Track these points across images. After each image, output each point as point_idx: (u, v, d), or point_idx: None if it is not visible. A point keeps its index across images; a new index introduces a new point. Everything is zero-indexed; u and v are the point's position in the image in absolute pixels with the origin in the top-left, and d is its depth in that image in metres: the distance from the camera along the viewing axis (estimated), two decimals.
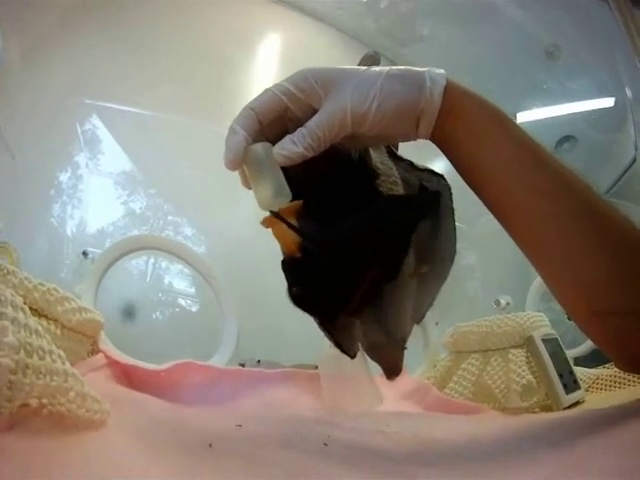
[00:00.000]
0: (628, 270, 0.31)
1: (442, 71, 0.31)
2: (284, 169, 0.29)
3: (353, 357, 0.35)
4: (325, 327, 0.32)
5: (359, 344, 0.37)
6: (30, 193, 0.75)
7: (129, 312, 0.80)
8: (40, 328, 0.23)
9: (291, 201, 0.28)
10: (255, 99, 0.30)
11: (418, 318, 0.40)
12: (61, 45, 0.79)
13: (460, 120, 0.31)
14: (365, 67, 0.31)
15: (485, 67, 1.13)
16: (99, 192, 0.85)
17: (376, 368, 0.42)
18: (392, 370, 0.38)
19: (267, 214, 0.29)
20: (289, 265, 0.29)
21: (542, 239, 0.32)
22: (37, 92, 0.75)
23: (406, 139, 0.32)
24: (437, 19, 1.11)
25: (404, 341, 0.37)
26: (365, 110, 0.29)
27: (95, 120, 0.84)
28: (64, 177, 0.80)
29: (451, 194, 0.38)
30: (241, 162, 0.29)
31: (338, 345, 0.34)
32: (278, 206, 0.28)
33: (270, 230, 0.29)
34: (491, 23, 1.07)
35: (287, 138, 0.29)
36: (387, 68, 0.30)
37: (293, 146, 0.29)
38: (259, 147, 0.29)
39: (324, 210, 0.28)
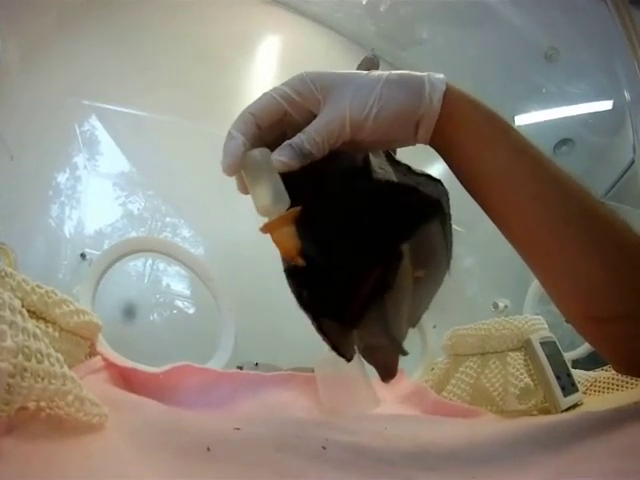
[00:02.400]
0: (625, 274, 0.31)
1: (441, 76, 0.30)
2: (282, 174, 0.29)
3: (349, 360, 0.35)
4: (322, 331, 0.32)
5: (355, 347, 0.37)
6: (28, 194, 0.75)
7: (127, 314, 0.80)
8: (38, 331, 0.23)
9: (289, 207, 0.28)
10: (253, 103, 0.30)
11: (413, 322, 0.40)
12: (60, 46, 0.79)
13: (459, 125, 0.31)
14: (365, 71, 0.30)
15: (484, 70, 1.13)
16: (97, 193, 0.85)
17: (373, 371, 0.42)
18: (387, 373, 0.38)
19: (265, 219, 0.29)
20: (296, 272, 0.29)
21: (539, 245, 0.32)
22: (36, 93, 0.75)
23: (405, 144, 0.32)
24: (436, 22, 1.11)
25: (400, 344, 0.37)
26: (364, 117, 0.29)
27: (94, 121, 0.85)
28: (62, 178, 0.80)
29: (448, 199, 0.38)
30: (239, 168, 0.28)
31: (335, 348, 0.34)
32: (276, 213, 0.28)
33: (264, 234, 0.29)
34: (490, 26, 1.08)
35: (286, 144, 0.29)
36: (386, 73, 0.30)
37: (292, 152, 0.28)
38: (257, 153, 0.29)
39: (323, 215, 0.28)
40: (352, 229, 0.29)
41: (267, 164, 0.28)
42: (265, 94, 0.30)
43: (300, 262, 0.28)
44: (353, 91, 0.29)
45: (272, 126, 0.30)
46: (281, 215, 0.28)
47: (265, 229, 0.29)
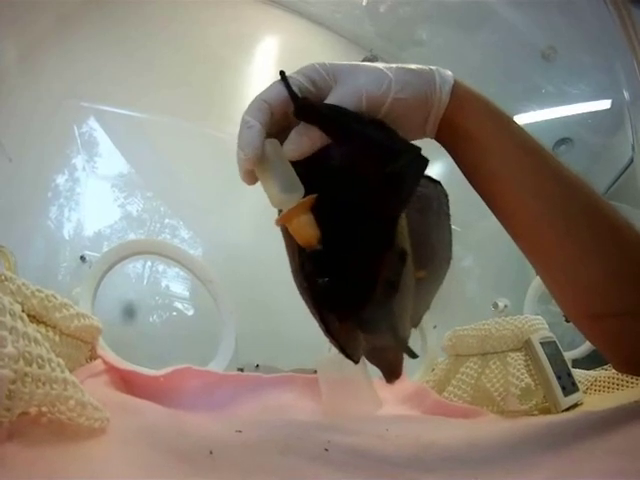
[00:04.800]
0: (626, 272, 0.31)
1: (449, 71, 0.31)
2: (293, 163, 0.28)
3: (357, 362, 0.35)
4: (330, 333, 0.32)
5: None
6: (27, 196, 0.75)
7: (127, 316, 0.79)
8: (39, 336, 0.23)
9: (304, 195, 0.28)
10: (266, 91, 0.29)
11: (415, 322, 0.40)
12: (58, 48, 0.79)
13: (465, 118, 0.31)
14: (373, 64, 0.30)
15: (483, 70, 1.13)
16: (96, 195, 0.85)
17: (374, 371, 0.42)
18: (392, 373, 0.38)
19: (273, 209, 0.29)
20: (310, 258, 0.28)
21: (539, 241, 0.32)
22: (34, 95, 0.75)
23: (414, 137, 0.31)
24: (435, 23, 1.11)
25: (404, 344, 0.37)
26: (381, 93, 0.28)
27: (92, 123, 0.84)
28: (61, 180, 0.80)
29: (447, 200, 0.39)
30: (259, 158, 0.27)
31: (342, 350, 0.33)
32: (292, 203, 0.27)
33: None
34: (488, 27, 1.08)
35: (295, 131, 0.28)
36: (396, 64, 0.30)
37: (302, 137, 0.28)
38: (267, 144, 0.28)
39: (336, 201, 0.28)
40: (361, 214, 0.28)
41: (278, 154, 0.28)
42: (276, 82, 0.29)
43: (319, 250, 0.27)
44: (367, 74, 0.29)
45: (282, 115, 0.29)
46: (298, 203, 0.27)
47: (282, 219, 0.28)
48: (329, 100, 0.28)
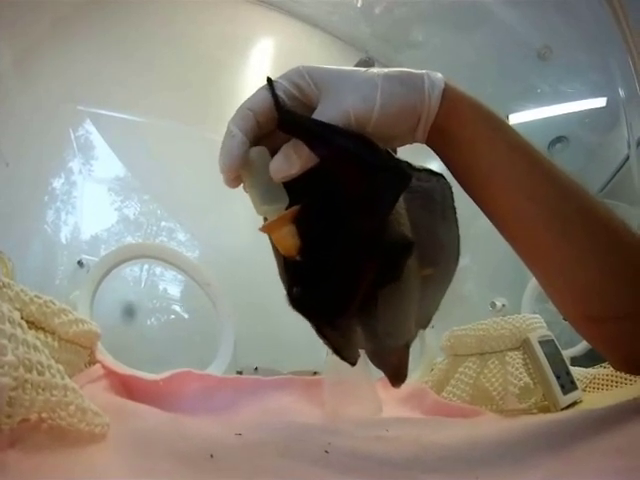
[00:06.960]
0: (622, 275, 0.31)
1: (439, 74, 0.30)
2: None
3: (354, 364, 0.34)
4: (323, 334, 0.32)
5: (362, 351, 0.36)
6: (24, 200, 0.74)
7: (125, 319, 0.79)
8: (38, 342, 0.23)
9: (288, 205, 0.28)
10: (251, 98, 0.29)
11: (424, 323, 0.39)
12: (54, 52, 0.79)
13: (457, 122, 0.30)
14: (363, 69, 0.30)
15: (478, 71, 1.14)
16: (93, 198, 0.85)
17: (377, 372, 0.41)
18: (397, 376, 0.37)
19: (261, 218, 0.29)
20: (290, 267, 0.29)
21: (535, 243, 0.32)
22: (30, 99, 0.75)
23: (403, 142, 0.31)
24: (431, 24, 1.11)
25: (408, 346, 0.37)
26: (368, 109, 0.28)
27: (88, 126, 0.84)
28: (58, 183, 0.80)
29: (451, 193, 0.37)
30: (239, 167, 0.28)
31: (337, 352, 0.33)
32: (275, 213, 0.28)
33: (264, 234, 0.29)
34: (484, 27, 1.08)
35: (281, 153, 0.28)
36: (385, 70, 0.29)
37: (289, 160, 0.28)
38: (253, 152, 0.28)
39: (321, 211, 0.28)
40: (349, 223, 0.28)
41: (264, 164, 0.28)
42: (261, 88, 0.29)
43: (300, 260, 0.28)
44: (353, 85, 0.28)
45: (268, 121, 0.29)
46: (280, 215, 0.28)
47: (265, 229, 0.28)
48: (315, 117, 0.28)
